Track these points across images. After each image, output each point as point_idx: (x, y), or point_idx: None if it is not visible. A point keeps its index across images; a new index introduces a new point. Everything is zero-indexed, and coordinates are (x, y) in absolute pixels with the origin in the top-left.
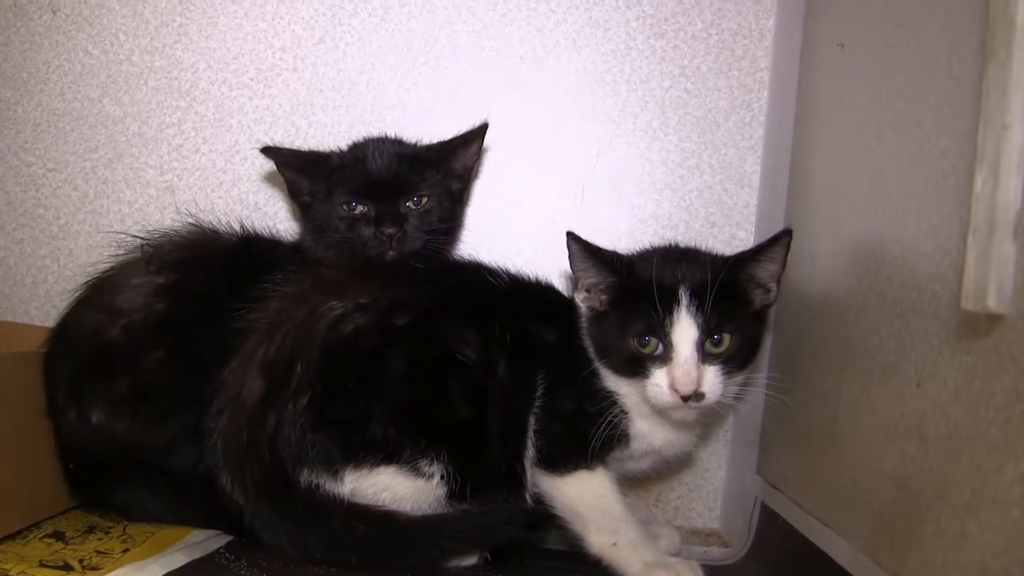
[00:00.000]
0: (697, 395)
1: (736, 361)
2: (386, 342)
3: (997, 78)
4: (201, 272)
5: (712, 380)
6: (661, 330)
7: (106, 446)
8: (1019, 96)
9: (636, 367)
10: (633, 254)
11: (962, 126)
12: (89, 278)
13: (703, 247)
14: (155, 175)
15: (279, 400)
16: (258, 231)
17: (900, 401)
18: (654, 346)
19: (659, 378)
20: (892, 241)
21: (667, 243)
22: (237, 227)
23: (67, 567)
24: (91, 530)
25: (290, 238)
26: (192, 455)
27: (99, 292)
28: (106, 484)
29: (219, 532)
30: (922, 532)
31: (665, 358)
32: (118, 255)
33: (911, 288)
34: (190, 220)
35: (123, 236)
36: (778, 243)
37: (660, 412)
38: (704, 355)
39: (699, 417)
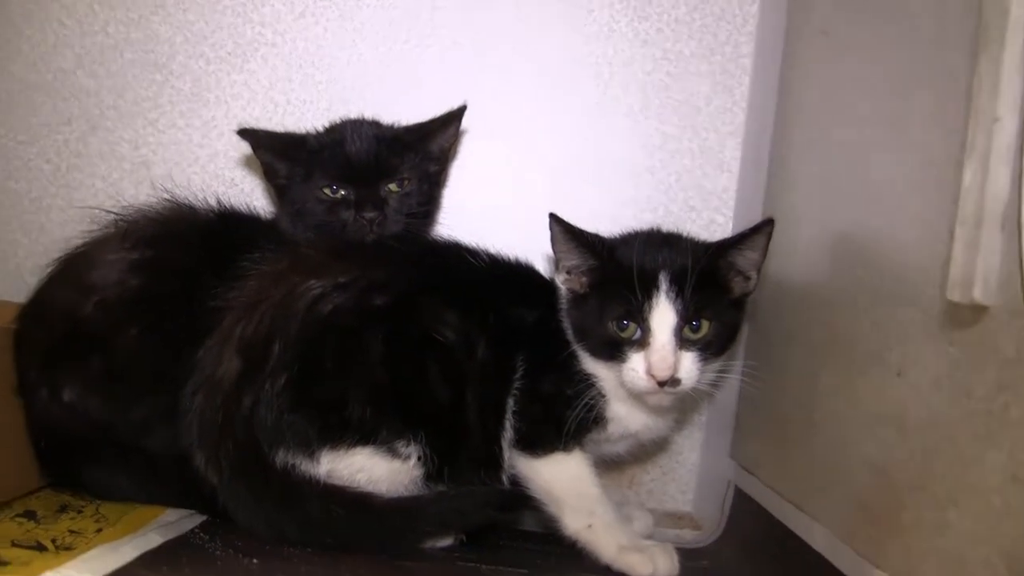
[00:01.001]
0: (673, 381)
1: (713, 348)
2: (365, 323)
3: (989, 71)
4: (177, 248)
5: (689, 366)
6: (640, 315)
7: (78, 425)
8: (1011, 89)
9: (614, 351)
10: (615, 237)
11: (951, 118)
12: (62, 254)
13: (685, 232)
14: (130, 149)
15: (256, 380)
16: (235, 207)
17: (881, 389)
18: (632, 331)
19: (636, 363)
20: (876, 230)
21: (649, 227)
22: (214, 203)
23: (40, 547)
24: (63, 509)
25: (268, 214)
26: (166, 435)
27: (72, 268)
28: (78, 463)
29: (193, 512)
30: (902, 520)
31: (643, 343)
32: (92, 231)
33: (894, 278)
34: (166, 195)
35: (97, 211)
36: (760, 232)
37: (636, 396)
38: (682, 341)
39: (675, 403)
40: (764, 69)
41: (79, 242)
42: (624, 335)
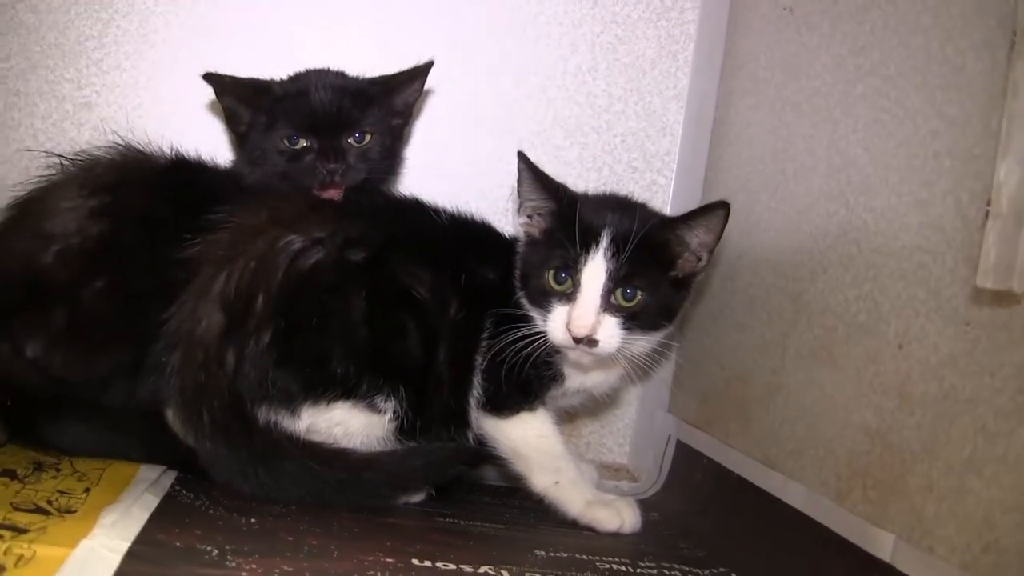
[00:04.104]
0: (590, 341)
1: (642, 320)
2: (345, 278)
3: None
4: (136, 196)
5: (610, 331)
6: (574, 267)
7: (41, 380)
8: None
9: (544, 299)
10: (581, 192)
11: (958, 112)
12: (13, 200)
13: (648, 203)
14: (72, 89)
15: (240, 336)
16: (187, 155)
17: (876, 360)
18: (568, 285)
19: (558, 315)
20: (862, 208)
21: (614, 192)
22: (166, 150)
23: (42, 511)
24: (40, 467)
25: (218, 162)
26: (127, 389)
27: (27, 215)
28: (41, 419)
29: (164, 468)
30: (907, 484)
31: (571, 297)
32: (42, 176)
33: (888, 255)
34: (117, 140)
35: (43, 155)
36: (713, 213)
37: (561, 351)
38: (608, 304)
39: (597, 362)
40: (709, 37)
41: (30, 188)
42: (558, 288)
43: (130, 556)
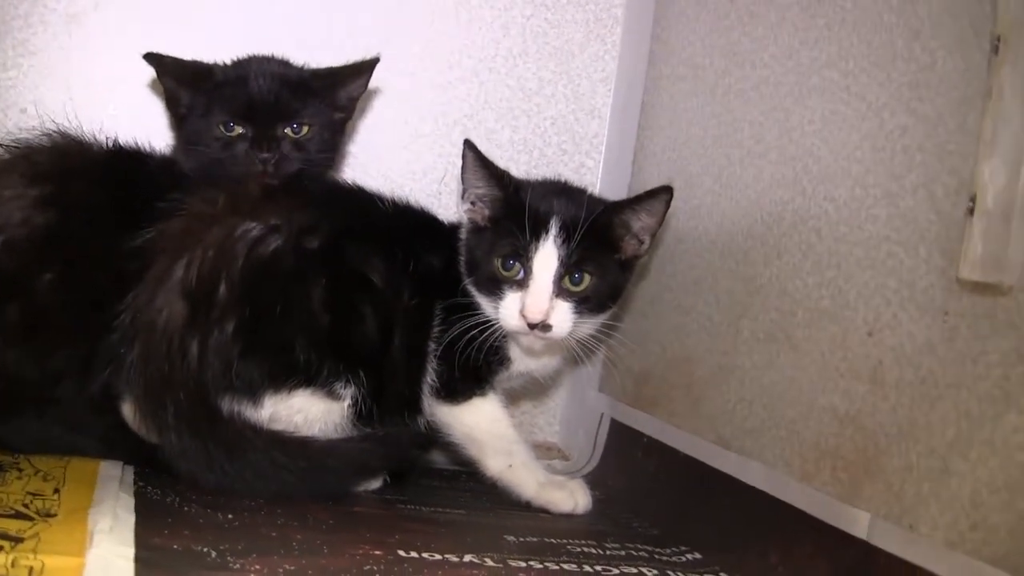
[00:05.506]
0: (544, 326)
1: (592, 303)
2: (304, 266)
3: (1014, 81)
4: (79, 183)
5: (562, 316)
6: (525, 254)
7: None
8: None
9: (494, 287)
10: (522, 179)
11: (929, 109)
12: None
13: (588, 188)
14: None
15: (203, 325)
16: (124, 144)
17: (843, 345)
18: (516, 271)
19: (511, 301)
20: (821, 197)
21: (556, 177)
22: (101, 135)
23: (24, 516)
24: (0, 468)
25: (155, 149)
26: (77, 383)
27: None
28: None
29: (120, 463)
30: (883, 465)
31: (523, 283)
32: None
33: (854, 245)
34: (51, 126)
35: None
36: (657, 198)
37: (510, 336)
38: (560, 290)
39: (548, 347)
40: (636, 21)
41: None
42: (508, 274)
43: (140, 563)
